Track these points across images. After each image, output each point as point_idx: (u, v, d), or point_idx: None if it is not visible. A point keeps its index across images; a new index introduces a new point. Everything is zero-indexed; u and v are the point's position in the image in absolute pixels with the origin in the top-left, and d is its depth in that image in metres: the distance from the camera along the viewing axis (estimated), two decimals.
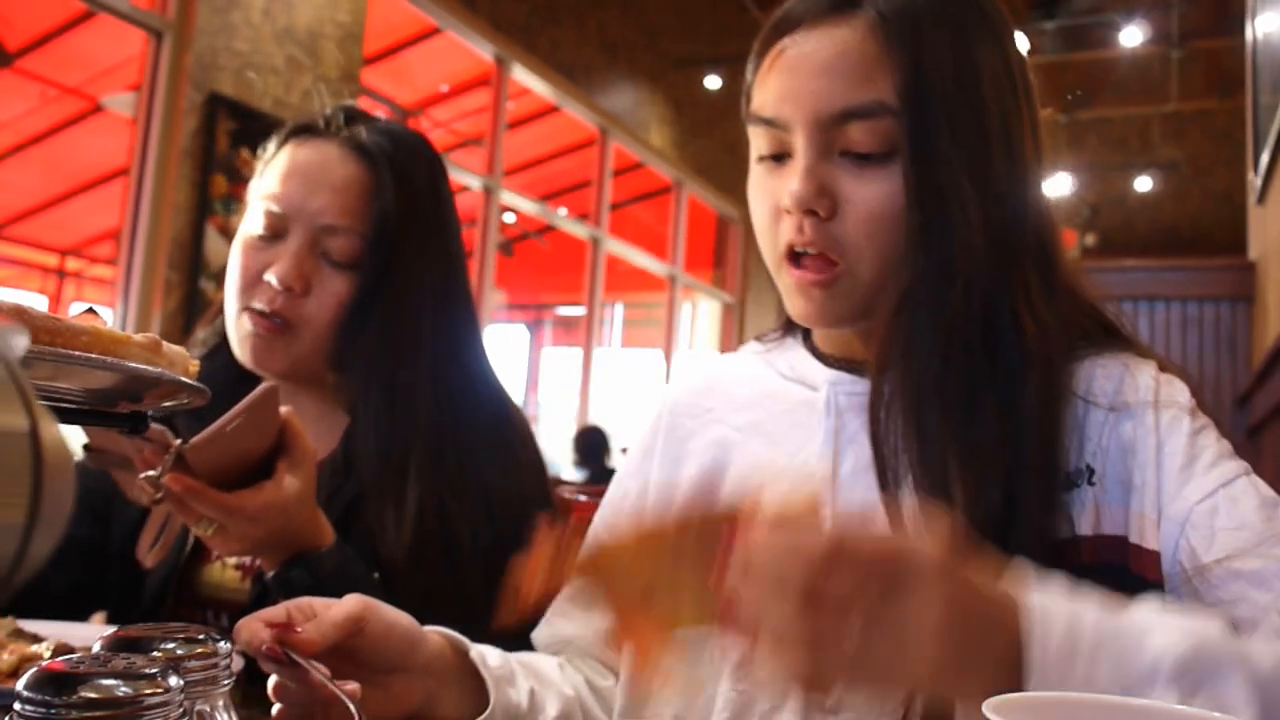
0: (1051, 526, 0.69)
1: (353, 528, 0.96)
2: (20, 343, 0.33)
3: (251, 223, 1.02)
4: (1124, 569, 0.69)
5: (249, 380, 1.07)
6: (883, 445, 0.73)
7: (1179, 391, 0.74)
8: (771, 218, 0.76)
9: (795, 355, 0.86)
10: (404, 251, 1.01)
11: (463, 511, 0.97)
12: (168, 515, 0.78)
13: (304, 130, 1.05)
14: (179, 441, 0.76)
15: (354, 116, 1.07)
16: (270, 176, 1.02)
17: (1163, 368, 0.76)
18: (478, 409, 1.04)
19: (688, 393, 0.90)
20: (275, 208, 1.00)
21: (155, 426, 0.74)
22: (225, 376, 1.04)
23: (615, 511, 0.88)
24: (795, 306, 0.77)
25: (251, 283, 1.00)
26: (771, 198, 0.76)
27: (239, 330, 1.01)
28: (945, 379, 0.71)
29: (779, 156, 0.76)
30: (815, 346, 0.86)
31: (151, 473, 0.75)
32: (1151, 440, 0.71)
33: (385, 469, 0.96)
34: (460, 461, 0.99)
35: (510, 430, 1.06)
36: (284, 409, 0.81)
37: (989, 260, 0.72)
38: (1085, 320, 0.78)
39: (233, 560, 1.00)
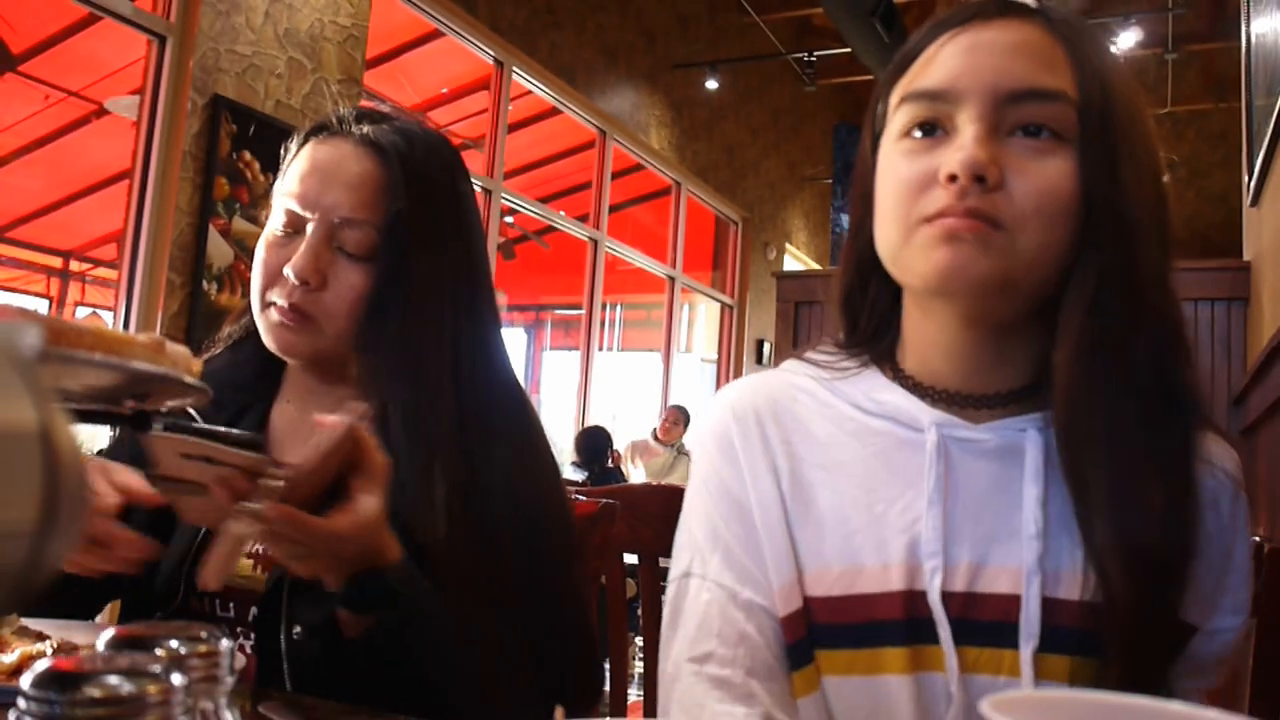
0: (1181, 602, 0.69)
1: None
2: (32, 338, 0.32)
3: (273, 221, 1.04)
4: None
5: (271, 371, 1.10)
6: (1078, 484, 0.69)
7: (1238, 462, 0.76)
8: (915, 189, 0.72)
9: (873, 385, 0.79)
10: (420, 245, 1.01)
11: (490, 504, 0.97)
12: (236, 539, 0.75)
13: (321, 129, 1.06)
14: (280, 475, 0.76)
15: (370, 115, 1.08)
16: (290, 176, 1.05)
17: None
18: (500, 404, 1.04)
19: (747, 414, 0.81)
20: (294, 205, 1.02)
21: (254, 456, 0.75)
22: (248, 368, 1.09)
23: (730, 498, 0.80)
24: (937, 259, 0.70)
25: (272, 278, 1.02)
26: (920, 172, 0.71)
27: (265, 323, 1.03)
28: (1128, 423, 0.69)
29: (931, 129, 0.72)
30: (901, 377, 0.79)
31: (253, 505, 0.74)
32: (1226, 525, 0.74)
33: (414, 462, 0.96)
34: (486, 455, 0.99)
35: (530, 426, 1.07)
36: (353, 419, 0.79)
37: (1158, 279, 0.71)
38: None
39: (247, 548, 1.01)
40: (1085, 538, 0.69)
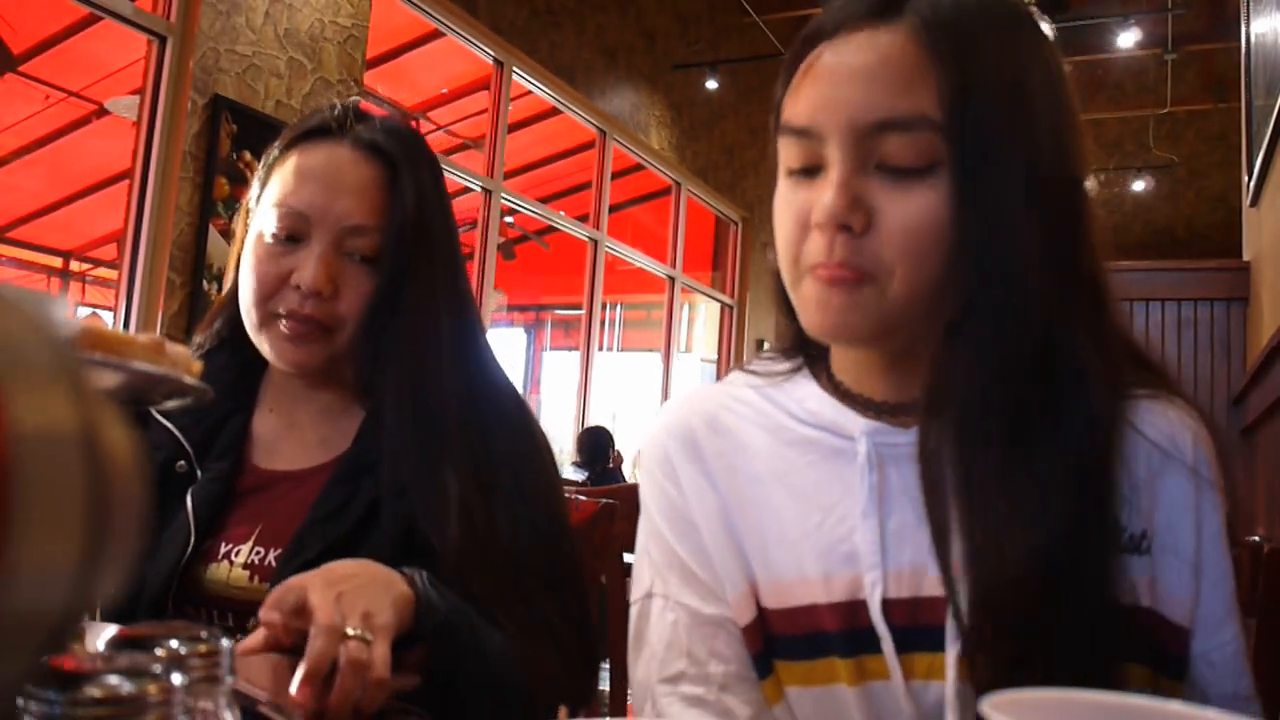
0: (1114, 591, 0.66)
1: (373, 530, 0.95)
2: (64, 314, 0.24)
3: (265, 228, 1.01)
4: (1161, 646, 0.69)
5: (247, 379, 1.08)
6: (932, 497, 0.68)
7: (1210, 456, 0.72)
8: (798, 233, 0.70)
9: (807, 394, 0.78)
10: (420, 248, 1.01)
11: (500, 504, 0.97)
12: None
13: (312, 134, 1.04)
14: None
15: (358, 116, 1.06)
16: (282, 182, 1.01)
17: (1189, 406, 0.74)
18: (500, 403, 1.04)
19: (685, 432, 0.80)
20: (296, 211, 1.00)
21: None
22: (225, 377, 1.06)
23: (678, 517, 0.79)
24: (811, 319, 0.70)
25: (274, 289, 0.99)
26: (800, 212, 0.70)
27: (269, 336, 1.00)
28: (1002, 421, 0.67)
29: (810, 170, 0.70)
30: (833, 384, 0.78)
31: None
32: (1190, 519, 0.70)
33: (421, 466, 0.95)
34: (490, 455, 0.99)
35: (531, 424, 1.07)
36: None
37: (1044, 285, 0.67)
38: (1123, 350, 0.74)
39: (240, 558, 0.99)
40: (935, 540, 0.67)
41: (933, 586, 0.69)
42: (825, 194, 0.67)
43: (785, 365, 0.81)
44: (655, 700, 0.75)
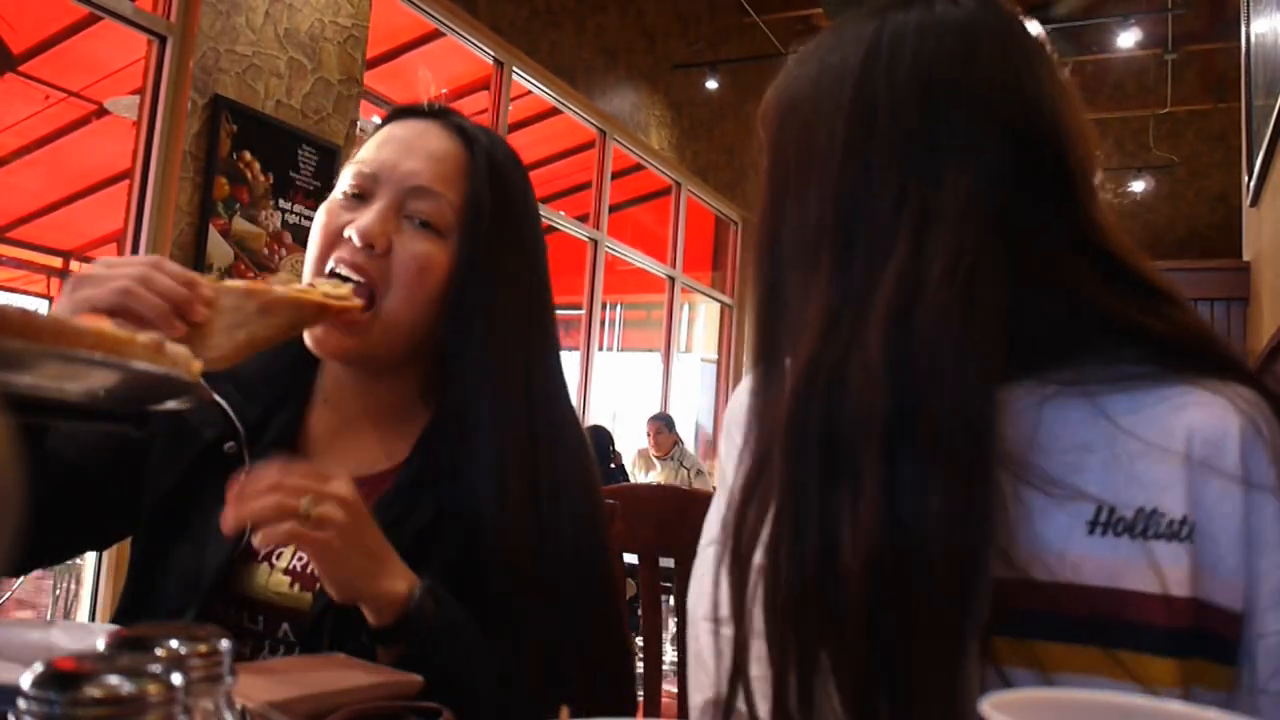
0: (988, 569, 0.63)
1: (429, 549, 0.91)
2: None
3: (338, 187, 0.99)
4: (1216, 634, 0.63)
5: (302, 369, 1.03)
6: None
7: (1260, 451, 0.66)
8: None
9: None
10: (497, 245, 0.97)
11: (556, 523, 0.94)
12: None
13: (404, 113, 1.03)
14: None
15: (454, 112, 1.06)
16: (365, 147, 1.00)
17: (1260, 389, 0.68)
18: (565, 431, 1.00)
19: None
20: (366, 169, 0.97)
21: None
22: (275, 367, 1.02)
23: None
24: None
25: (332, 241, 0.96)
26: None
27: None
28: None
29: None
30: None
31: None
32: (1240, 516, 0.64)
33: (488, 466, 0.92)
34: (552, 467, 0.96)
35: (586, 446, 1.04)
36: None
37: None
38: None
39: (283, 562, 0.95)
40: None
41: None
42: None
43: None
44: (698, 635, 0.77)
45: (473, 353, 0.95)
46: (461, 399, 0.94)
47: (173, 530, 0.97)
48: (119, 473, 1.00)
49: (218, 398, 0.98)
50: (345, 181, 0.99)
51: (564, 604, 0.93)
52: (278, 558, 0.96)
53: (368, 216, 0.94)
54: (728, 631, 0.74)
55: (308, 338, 0.96)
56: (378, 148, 0.99)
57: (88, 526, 1.02)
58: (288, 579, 0.94)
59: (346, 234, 0.94)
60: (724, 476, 0.83)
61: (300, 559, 0.95)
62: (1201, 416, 0.67)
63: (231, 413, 0.99)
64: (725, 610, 0.74)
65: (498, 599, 0.89)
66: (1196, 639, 0.63)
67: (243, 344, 0.82)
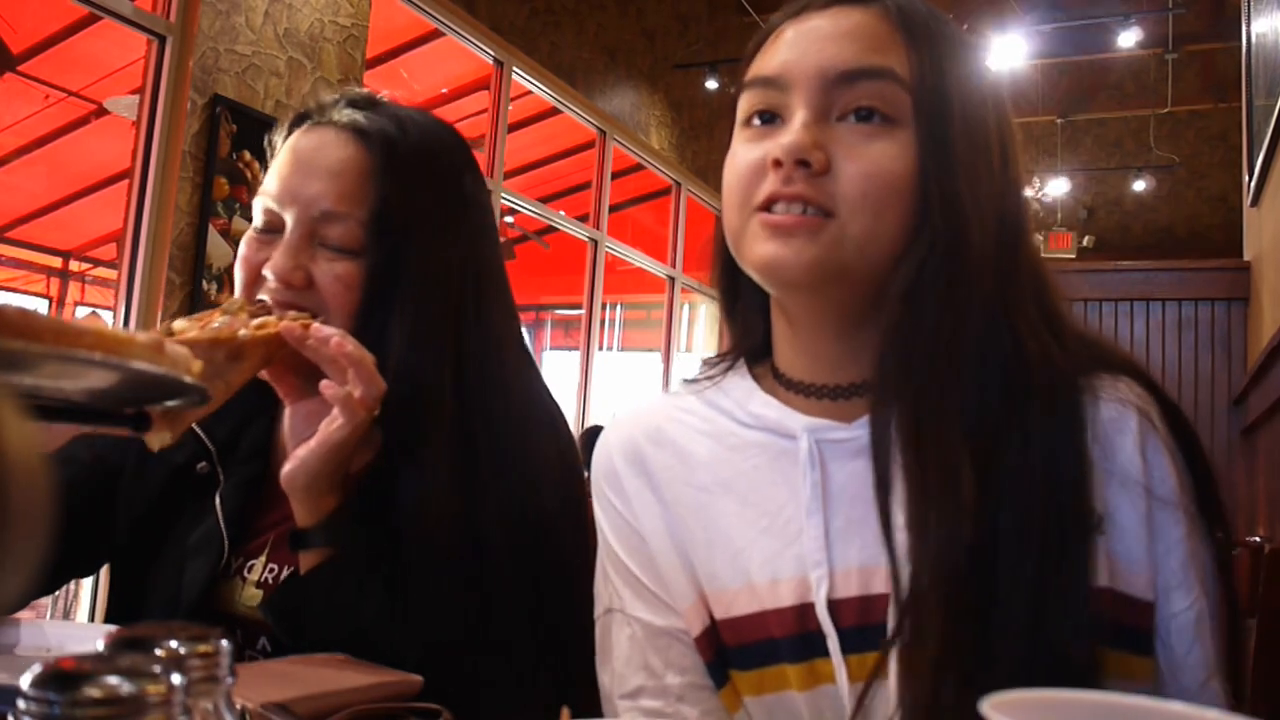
0: (1085, 574, 0.64)
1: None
2: None
3: (255, 218, 0.97)
4: (1131, 626, 0.66)
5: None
6: (881, 487, 0.67)
7: (1158, 423, 0.70)
8: (751, 176, 0.70)
9: (744, 394, 0.78)
10: (414, 238, 0.94)
11: (485, 505, 0.91)
12: None
13: (304, 119, 0.99)
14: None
15: (359, 101, 1.00)
16: (270, 170, 0.97)
17: (1151, 388, 0.72)
18: (509, 405, 0.97)
19: (631, 447, 0.81)
20: (271, 203, 0.94)
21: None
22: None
23: (628, 531, 0.80)
24: (765, 252, 0.69)
25: (253, 280, 0.94)
26: (756, 159, 0.71)
27: None
28: (956, 402, 0.66)
29: (768, 117, 0.72)
30: (776, 377, 0.78)
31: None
32: (1138, 488, 0.68)
33: (406, 454, 0.92)
34: (488, 454, 0.94)
35: (544, 428, 0.99)
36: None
37: (997, 256, 0.68)
38: (1071, 332, 0.73)
39: (254, 575, 0.95)
40: (883, 530, 0.66)
41: (882, 584, 0.67)
42: (785, 135, 0.68)
43: (721, 366, 0.82)
44: (616, 715, 0.76)
45: (397, 354, 0.92)
46: (394, 403, 0.92)
47: (151, 551, 0.98)
48: (97, 499, 1.00)
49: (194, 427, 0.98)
50: (257, 215, 0.96)
51: (504, 571, 0.91)
52: (249, 571, 0.96)
53: (279, 257, 0.92)
54: (656, 704, 0.74)
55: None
56: (280, 171, 0.96)
57: (76, 554, 1.02)
58: (260, 593, 0.94)
59: (264, 273, 0.93)
60: (604, 537, 0.82)
61: (271, 571, 0.95)
62: (1104, 413, 0.69)
63: (201, 433, 0.98)
64: (639, 681, 0.75)
65: (418, 563, 0.89)
66: (1115, 632, 0.65)
67: (221, 391, 0.82)
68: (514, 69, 5.75)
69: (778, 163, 0.68)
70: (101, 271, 7.79)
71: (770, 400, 0.77)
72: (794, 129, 0.68)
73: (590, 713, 1.01)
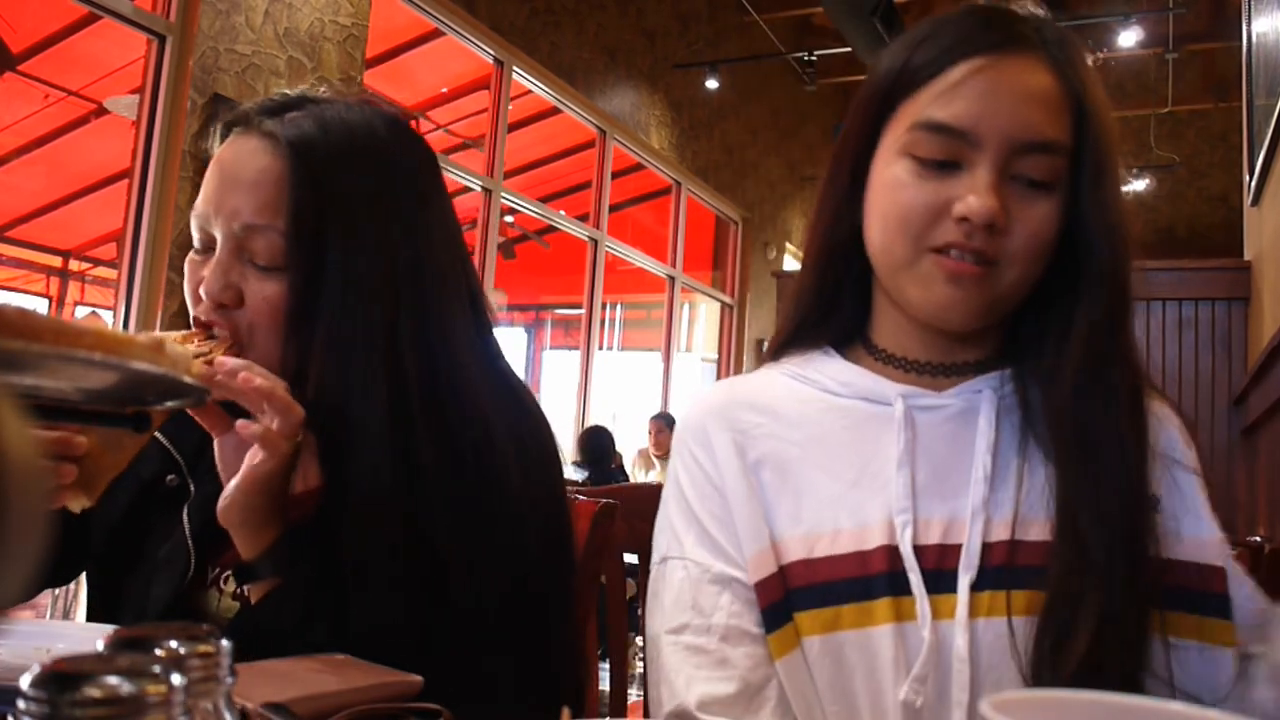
0: (1154, 547, 0.75)
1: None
2: None
3: (193, 239, 0.95)
4: (1205, 591, 0.76)
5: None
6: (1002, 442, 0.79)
7: (1183, 441, 0.83)
8: (925, 216, 0.77)
9: (837, 369, 0.86)
10: (339, 245, 0.89)
11: (439, 521, 0.87)
12: None
13: (230, 126, 0.96)
14: None
15: (282, 105, 0.96)
16: (204, 183, 0.94)
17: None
18: (461, 413, 0.91)
19: (722, 407, 0.87)
20: (199, 220, 0.92)
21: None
22: None
23: (705, 481, 0.85)
24: (938, 294, 0.78)
25: (195, 299, 0.92)
26: (933, 200, 0.77)
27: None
28: (1092, 376, 0.77)
29: (946, 164, 0.78)
30: (871, 351, 0.86)
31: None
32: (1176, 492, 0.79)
33: (335, 458, 0.88)
34: (433, 457, 0.89)
35: (505, 425, 0.94)
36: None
37: (1112, 283, 0.79)
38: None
39: (230, 586, 0.93)
40: (1060, 485, 0.76)
41: (959, 533, 0.77)
42: (976, 194, 0.76)
43: (813, 350, 0.89)
44: (661, 649, 0.81)
45: (318, 370, 0.89)
46: (321, 421, 0.88)
47: (125, 564, 0.97)
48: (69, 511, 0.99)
49: (155, 433, 0.96)
50: (194, 234, 0.94)
51: (470, 578, 0.87)
52: (225, 582, 0.94)
53: (209, 277, 0.90)
54: (699, 640, 0.80)
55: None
56: (205, 186, 0.93)
57: (55, 563, 1.02)
58: (237, 604, 0.92)
59: (201, 293, 0.91)
60: (677, 488, 0.87)
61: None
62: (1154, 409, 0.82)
63: (169, 445, 0.98)
64: (686, 619, 0.80)
65: (356, 561, 0.87)
66: (1194, 599, 0.77)
67: (159, 420, 0.82)
68: (514, 68, 5.76)
69: (964, 218, 0.76)
70: (101, 271, 7.80)
71: (864, 371, 0.85)
72: (982, 189, 0.76)
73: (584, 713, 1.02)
